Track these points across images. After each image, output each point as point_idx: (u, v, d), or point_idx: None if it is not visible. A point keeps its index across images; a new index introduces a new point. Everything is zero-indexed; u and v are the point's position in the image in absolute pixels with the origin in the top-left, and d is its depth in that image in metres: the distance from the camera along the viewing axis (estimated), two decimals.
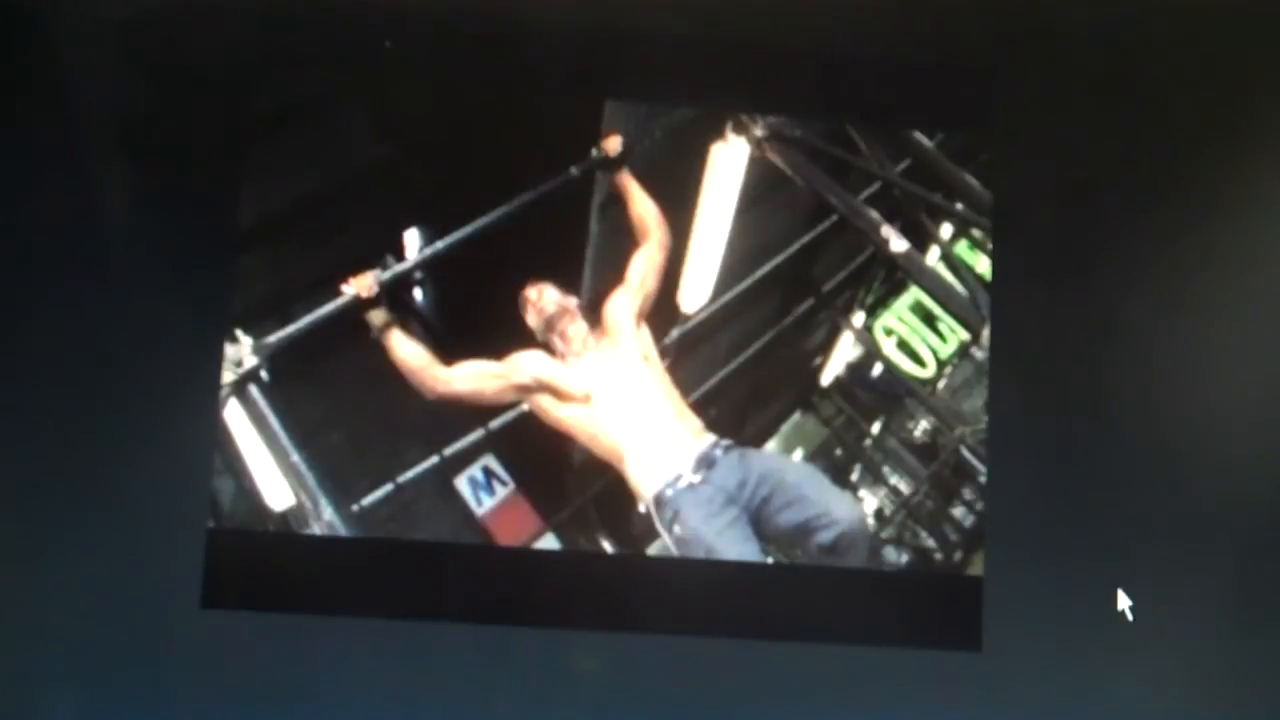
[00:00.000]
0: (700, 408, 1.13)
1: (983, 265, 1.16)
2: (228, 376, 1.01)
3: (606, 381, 1.10)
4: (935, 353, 1.30)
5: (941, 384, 1.31)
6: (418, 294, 1.14)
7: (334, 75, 1.04)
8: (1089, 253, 1.04)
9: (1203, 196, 1.05)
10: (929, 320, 1.30)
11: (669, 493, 1.08)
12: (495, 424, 1.15)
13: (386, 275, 1.08)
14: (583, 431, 1.10)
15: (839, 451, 1.31)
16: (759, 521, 1.08)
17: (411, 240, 1.11)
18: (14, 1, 0.96)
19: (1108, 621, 0.99)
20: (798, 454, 1.27)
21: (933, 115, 1.11)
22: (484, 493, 1.16)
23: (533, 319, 1.11)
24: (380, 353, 1.07)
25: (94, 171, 0.97)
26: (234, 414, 1.04)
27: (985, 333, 1.05)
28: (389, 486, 1.12)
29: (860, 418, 1.32)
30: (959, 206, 1.20)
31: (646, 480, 1.09)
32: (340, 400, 1.13)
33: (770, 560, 1.07)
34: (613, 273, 1.13)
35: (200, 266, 0.97)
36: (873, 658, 0.97)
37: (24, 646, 0.92)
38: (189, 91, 0.99)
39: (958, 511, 1.27)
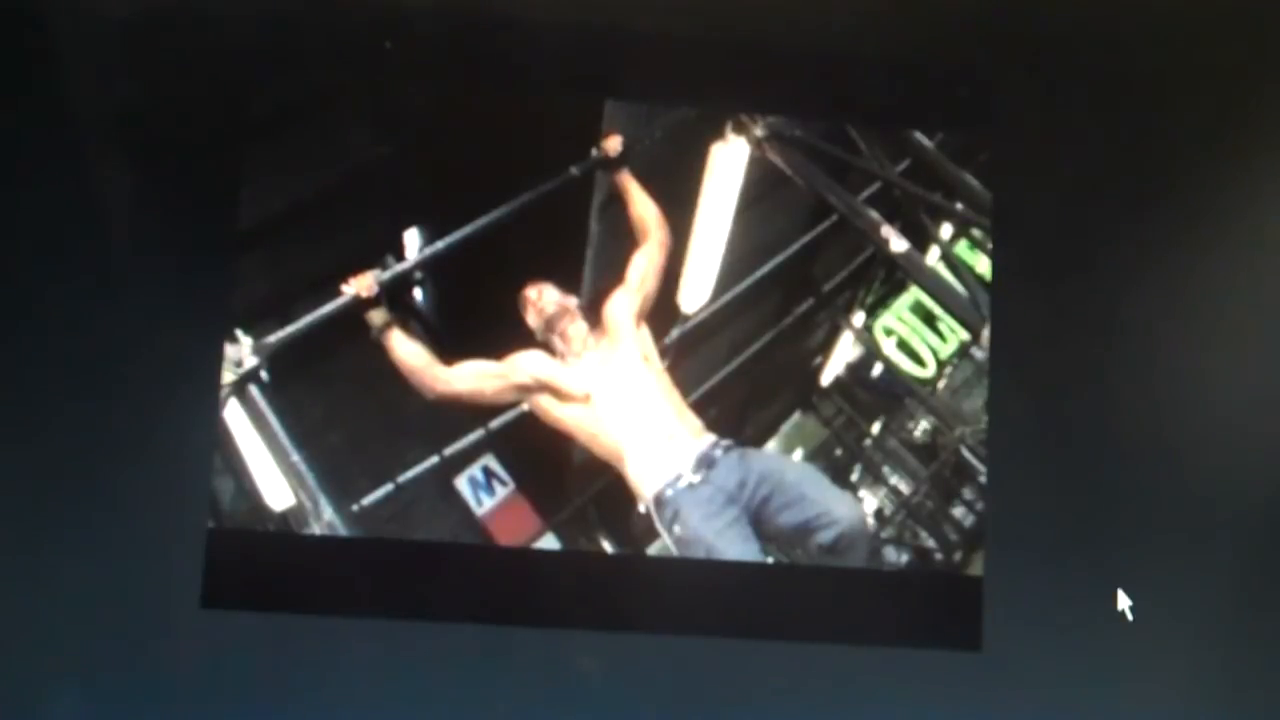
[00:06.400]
0: (700, 408, 1.13)
1: (983, 265, 1.16)
2: (228, 376, 1.01)
3: (606, 381, 1.10)
4: (935, 353, 1.30)
5: (941, 384, 1.31)
6: (418, 294, 1.14)
7: (334, 75, 1.03)
8: (1089, 253, 1.04)
9: (1203, 196, 1.05)
10: (929, 320, 1.30)
11: (669, 493, 1.08)
12: (495, 424, 1.15)
13: (386, 275, 1.08)
14: (583, 431, 1.10)
15: (839, 451, 1.31)
16: (759, 521, 1.08)
17: (411, 240, 1.11)
18: (14, 1, 0.96)
19: (1108, 621, 0.99)
20: (798, 454, 1.27)
21: (933, 115, 1.11)
22: (484, 493, 1.16)
23: (533, 319, 1.11)
24: (380, 353, 1.07)
25: (94, 171, 0.97)
26: (234, 414, 1.04)
27: (985, 333, 1.05)
28: (389, 486, 1.12)
29: (860, 418, 1.32)
30: (959, 206, 1.20)
31: (646, 480, 1.08)
32: (340, 400, 1.13)
33: (770, 560, 1.07)
34: (613, 273, 1.13)
35: (200, 266, 0.97)
36: (873, 658, 0.97)
37: (24, 646, 0.92)
38: (189, 91, 0.98)
39: (958, 511, 1.27)
